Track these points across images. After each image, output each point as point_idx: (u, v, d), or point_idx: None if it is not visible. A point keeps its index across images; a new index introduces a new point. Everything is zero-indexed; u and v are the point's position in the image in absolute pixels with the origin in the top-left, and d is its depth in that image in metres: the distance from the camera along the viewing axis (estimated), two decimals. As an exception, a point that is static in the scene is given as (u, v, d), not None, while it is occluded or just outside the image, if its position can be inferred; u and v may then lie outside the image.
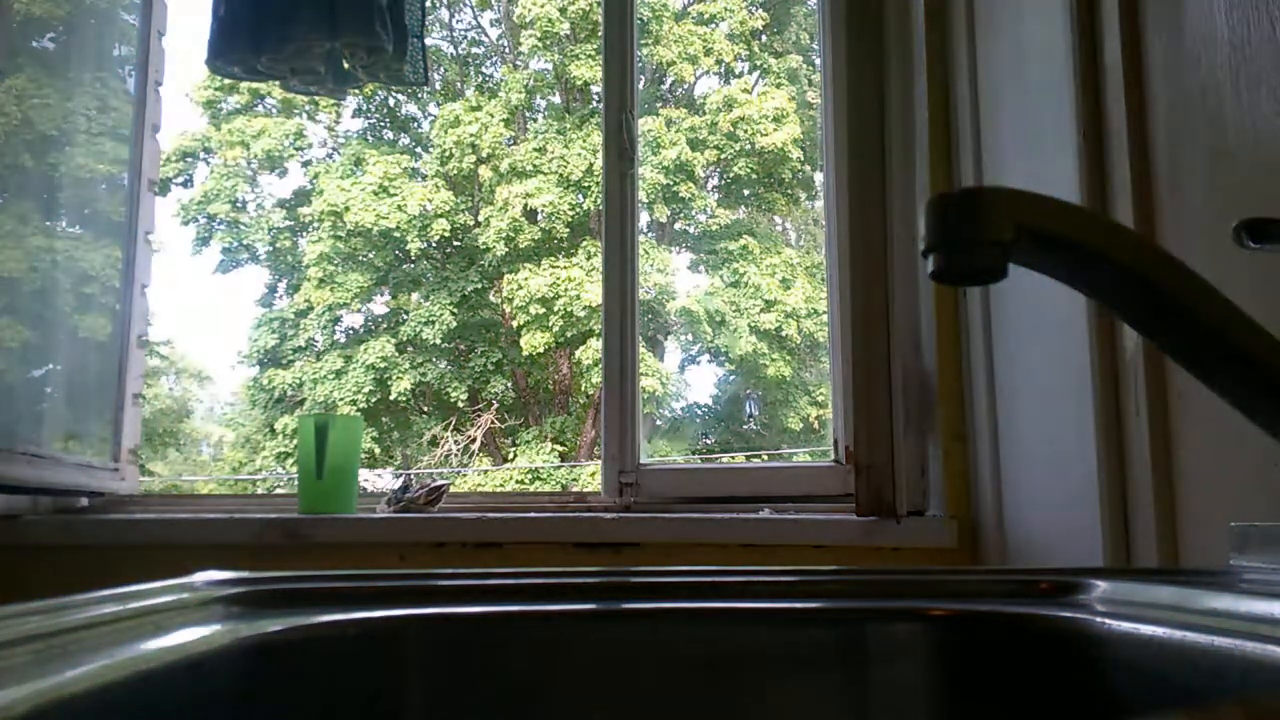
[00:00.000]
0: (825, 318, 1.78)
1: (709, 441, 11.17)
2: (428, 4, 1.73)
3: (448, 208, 9.84)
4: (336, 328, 10.26)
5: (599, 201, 2.58)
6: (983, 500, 1.39)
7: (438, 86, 10.79)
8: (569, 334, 9.36)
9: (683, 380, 11.05)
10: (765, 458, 10.27)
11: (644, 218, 10.39)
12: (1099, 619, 0.44)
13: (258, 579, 0.50)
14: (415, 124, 11.09)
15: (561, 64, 10.16)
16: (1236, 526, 0.51)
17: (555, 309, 9.25)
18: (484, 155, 9.96)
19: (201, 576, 0.49)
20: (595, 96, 10.31)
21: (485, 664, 0.46)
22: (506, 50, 11.22)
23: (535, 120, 10.65)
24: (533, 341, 9.33)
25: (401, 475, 1.94)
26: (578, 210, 9.68)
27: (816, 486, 1.60)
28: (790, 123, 10.18)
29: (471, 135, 9.84)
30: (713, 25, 10.55)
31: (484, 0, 11.31)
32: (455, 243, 10.21)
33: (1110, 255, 0.42)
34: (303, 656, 0.43)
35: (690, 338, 10.58)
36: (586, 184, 9.56)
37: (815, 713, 0.47)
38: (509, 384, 10.15)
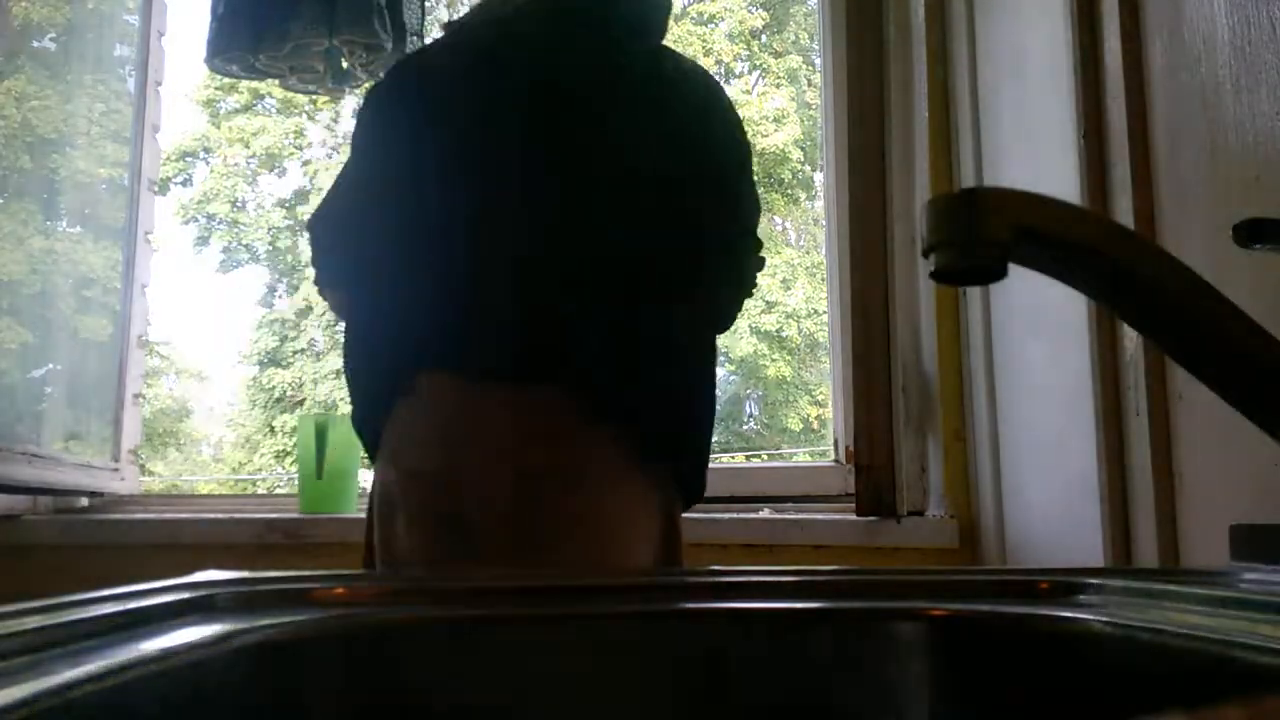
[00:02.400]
0: (825, 318, 1.78)
1: (709, 441, 11.15)
2: (428, 3, 1.72)
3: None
4: (335, 329, 10.26)
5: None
6: (983, 500, 1.39)
7: (438, 86, 10.78)
8: (570, 334, 9.33)
9: (683, 380, 11.01)
10: (765, 458, 10.27)
11: (644, 218, 10.34)
12: (1099, 619, 0.44)
13: (258, 579, 0.50)
14: (415, 124, 11.08)
15: (561, 64, 10.14)
16: (1236, 527, 0.51)
17: (556, 309, 9.22)
18: (483, 155, 9.94)
19: (201, 576, 0.49)
20: (595, 96, 10.28)
21: (485, 664, 0.46)
22: (506, 50, 11.20)
23: (535, 120, 10.62)
24: (533, 341, 9.31)
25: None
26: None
27: (816, 486, 1.60)
28: (790, 123, 10.17)
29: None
30: (712, 25, 10.55)
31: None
32: (455, 242, 10.19)
33: (1110, 255, 0.42)
34: (303, 656, 0.43)
35: (690, 338, 10.53)
36: (586, 184, 9.53)
37: (815, 713, 0.47)
38: (509, 384, 10.12)
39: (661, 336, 1.00)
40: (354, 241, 1.08)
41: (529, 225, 1.00)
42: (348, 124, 11.03)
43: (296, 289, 10.36)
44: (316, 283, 1.14)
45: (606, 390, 0.95)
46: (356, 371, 1.07)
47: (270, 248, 10.64)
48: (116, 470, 1.73)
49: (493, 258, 0.99)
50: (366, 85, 1.70)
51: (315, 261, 1.12)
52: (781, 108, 10.18)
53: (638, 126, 1.04)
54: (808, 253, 10.88)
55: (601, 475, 0.95)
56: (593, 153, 1.03)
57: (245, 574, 0.51)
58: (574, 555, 0.91)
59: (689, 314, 1.04)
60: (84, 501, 1.67)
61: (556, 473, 0.94)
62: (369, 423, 1.05)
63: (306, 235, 1.13)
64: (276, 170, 10.70)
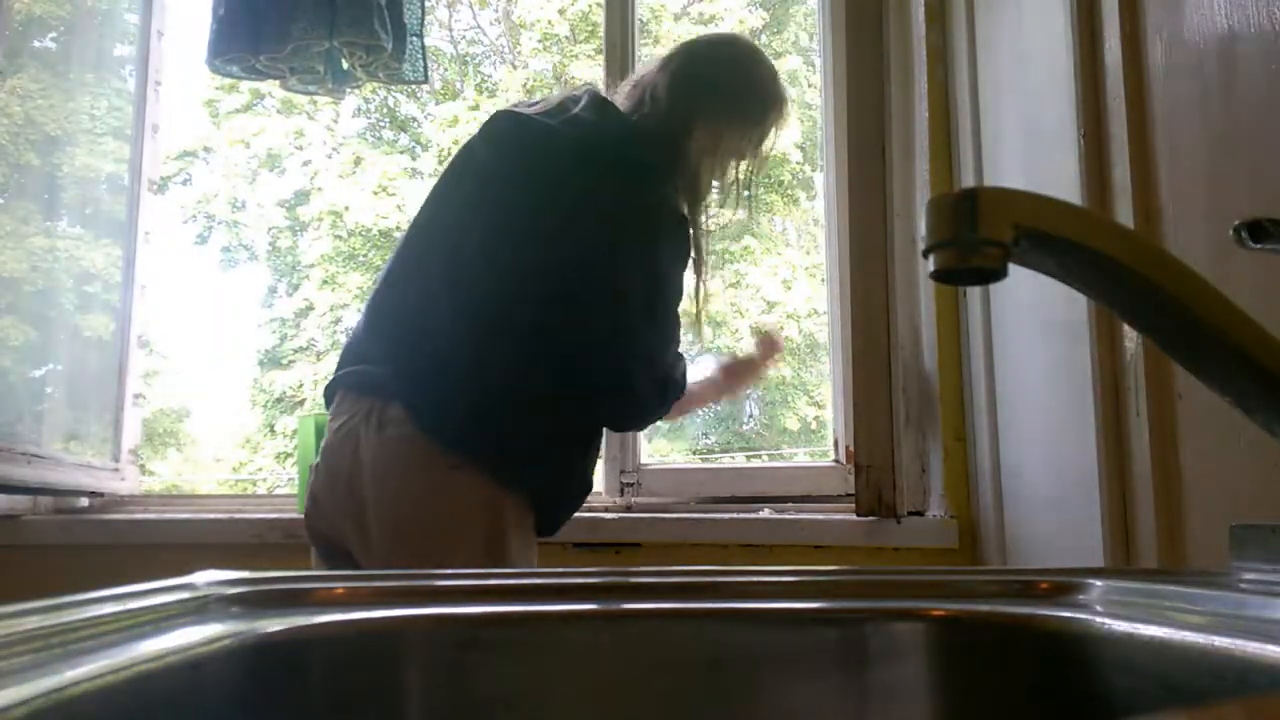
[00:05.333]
0: (825, 318, 1.78)
1: (709, 441, 11.16)
2: (428, 3, 1.73)
3: (446, 208, 9.81)
4: (337, 328, 10.26)
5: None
6: (983, 500, 1.39)
7: (437, 86, 10.79)
8: (570, 334, 9.32)
9: (683, 380, 11.01)
10: (765, 458, 10.27)
11: (644, 218, 10.32)
12: (1099, 619, 0.44)
13: (258, 579, 0.50)
14: (415, 124, 11.09)
15: (561, 64, 10.15)
16: (1236, 526, 0.51)
17: (556, 309, 9.21)
18: (483, 155, 9.93)
19: (201, 576, 0.49)
20: (595, 97, 10.27)
21: (485, 664, 0.46)
22: (505, 50, 11.21)
23: (535, 120, 10.61)
24: (533, 342, 9.29)
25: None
26: (578, 211, 9.64)
27: (816, 486, 1.60)
28: (789, 124, 10.16)
29: (470, 135, 9.81)
30: (712, 25, 10.54)
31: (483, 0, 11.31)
32: (455, 243, 10.18)
33: (1110, 255, 0.41)
34: (303, 656, 0.43)
35: (690, 338, 10.54)
36: (587, 185, 9.52)
37: (815, 713, 0.47)
38: (509, 384, 10.11)
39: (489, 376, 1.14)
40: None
41: (409, 278, 1.21)
42: (348, 124, 11.04)
43: (296, 289, 10.35)
44: None
45: (414, 401, 1.11)
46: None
47: (270, 247, 10.63)
48: (116, 470, 1.73)
49: (380, 303, 1.22)
50: (367, 85, 1.70)
51: None
52: (780, 109, 10.15)
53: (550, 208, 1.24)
54: (808, 253, 10.87)
55: (415, 473, 1.11)
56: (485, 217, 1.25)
57: (245, 574, 0.51)
58: (400, 547, 1.09)
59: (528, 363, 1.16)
60: (84, 501, 1.67)
61: (389, 475, 1.11)
62: None
63: None
64: (277, 170, 10.69)
